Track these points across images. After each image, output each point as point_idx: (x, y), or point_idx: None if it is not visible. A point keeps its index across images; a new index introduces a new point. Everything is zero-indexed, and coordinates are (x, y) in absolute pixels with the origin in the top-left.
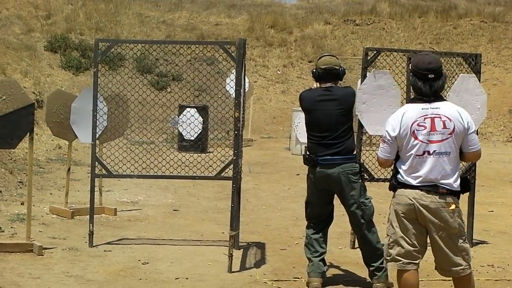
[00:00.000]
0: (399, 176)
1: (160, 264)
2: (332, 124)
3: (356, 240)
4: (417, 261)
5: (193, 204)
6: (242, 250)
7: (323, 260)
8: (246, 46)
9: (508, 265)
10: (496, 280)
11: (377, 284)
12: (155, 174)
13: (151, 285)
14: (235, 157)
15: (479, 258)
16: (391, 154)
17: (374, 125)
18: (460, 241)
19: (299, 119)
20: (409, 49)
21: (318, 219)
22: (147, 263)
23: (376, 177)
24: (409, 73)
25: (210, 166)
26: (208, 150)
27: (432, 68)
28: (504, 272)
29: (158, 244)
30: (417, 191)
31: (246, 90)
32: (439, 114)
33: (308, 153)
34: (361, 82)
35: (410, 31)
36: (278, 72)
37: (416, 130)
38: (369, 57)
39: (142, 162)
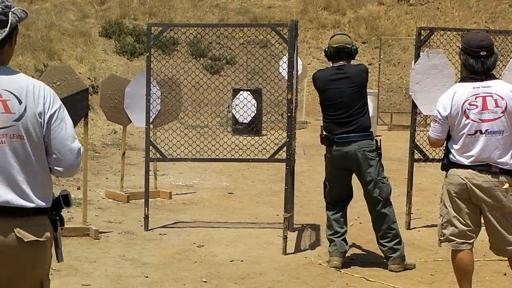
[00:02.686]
0: (451, 156)
1: (215, 247)
2: (345, 102)
3: (411, 221)
4: (471, 241)
5: (248, 187)
6: (296, 232)
7: (344, 240)
8: (299, 28)
9: None
10: None
11: (392, 266)
12: (209, 157)
13: (206, 268)
14: (288, 139)
15: None
16: (442, 134)
17: (428, 105)
18: None
19: None
20: (463, 27)
21: (337, 199)
22: (202, 246)
23: (430, 157)
24: (460, 51)
25: (264, 148)
26: (262, 133)
27: (484, 45)
28: None
29: (213, 227)
30: (469, 170)
31: (299, 73)
32: (491, 93)
33: (324, 132)
34: (415, 62)
35: (465, 10)
36: None
37: (468, 109)
38: (422, 37)
39: (196, 145)
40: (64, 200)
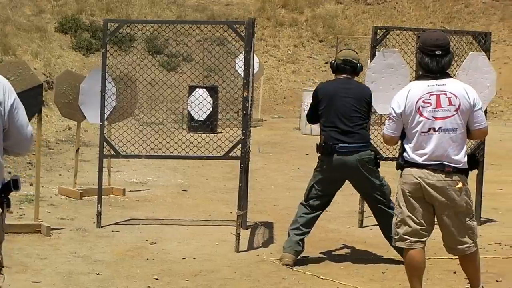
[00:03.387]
0: (405, 154)
1: (167, 244)
2: (349, 114)
3: (363, 219)
4: (423, 239)
5: (202, 184)
6: (250, 230)
7: (302, 241)
8: (256, 26)
9: None
10: (503, 258)
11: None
12: (164, 154)
13: (158, 265)
14: (243, 137)
15: (486, 236)
16: (397, 131)
17: (383, 104)
18: (467, 219)
19: (309, 99)
20: (418, 27)
21: (320, 203)
22: (155, 243)
23: (384, 156)
24: (416, 50)
25: (219, 146)
26: (217, 131)
27: (440, 44)
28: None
29: (166, 224)
30: (423, 170)
31: (256, 70)
32: (445, 91)
33: (324, 142)
34: (370, 61)
35: (421, 10)
36: (289, 52)
37: (422, 106)
38: (378, 36)
39: (151, 142)
40: (14, 184)
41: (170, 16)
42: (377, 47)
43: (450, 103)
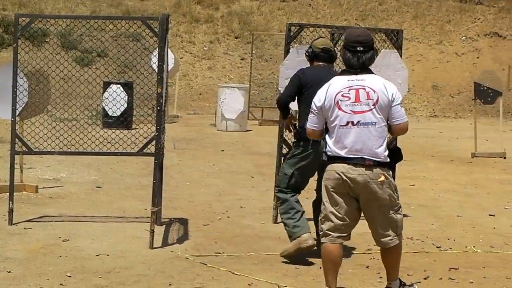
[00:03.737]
0: (328, 149)
1: (81, 241)
2: None
3: (278, 215)
4: (344, 235)
5: (116, 181)
6: (164, 226)
7: (305, 219)
8: (171, 22)
9: (426, 237)
10: (414, 252)
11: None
12: (77, 151)
13: (71, 262)
14: (157, 133)
15: None
16: (318, 125)
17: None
18: (391, 212)
19: (225, 95)
20: (332, 24)
21: (299, 187)
22: (68, 240)
23: None
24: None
25: (133, 142)
26: (132, 127)
27: (361, 40)
28: (422, 244)
29: (80, 221)
30: (344, 164)
31: (171, 66)
32: (364, 86)
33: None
34: (284, 58)
35: (336, 7)
36: (205, 48)
37: (340, 100)
38: (292, 33)
39: (64, 139)
40: None
41: (84, 11)
42: (291, 43)
43: (368, 98)
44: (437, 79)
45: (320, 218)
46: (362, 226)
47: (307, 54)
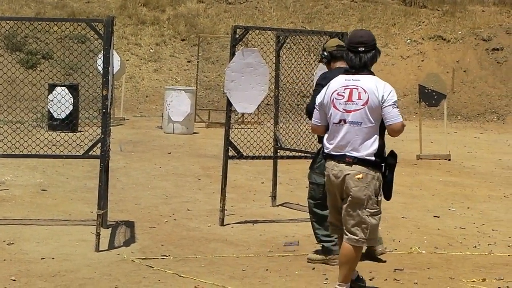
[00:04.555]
0: (324, 145)
1: (26, 245)
2: None
3: (224, 217)
4: (341, 227)
5: (62, 184)
6: (110, 229)
7: None
8: (117, 24)
9: None
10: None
11: (380, 249)
12: (22, 153)
13: (16, 266)
14: (103, 136)
15: None
16: (321, 121)
17: (242, 103)
18: (365, 212)
19: (172, 97)
20: (278, 27)
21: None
22: (13, 243)
23: (244, 154)
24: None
25: (78, 145)
26: (78, 129)
27: (363, 41)
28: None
29: (25, 225)
30: (331, 161)
31: (117, 69)
32: (357, 86)
33: None
34: (230, 60)
35: (282, 10)
36: (151, 50)
37: (335, 98)
38: (237, 35)
39: (8, 141)
40: None
41: (28, 13)
42: (236, 46)
43: (359, 98)
44: None
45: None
46: (307, 229)
47: (323, 57)
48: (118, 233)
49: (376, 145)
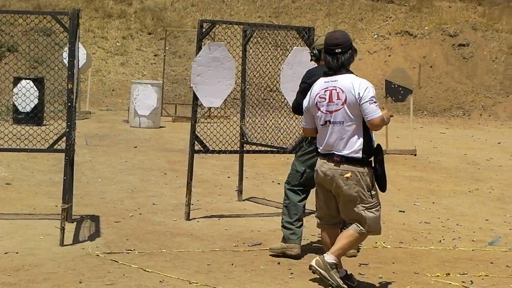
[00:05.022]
0: (317, 145)
1: None
2: None
3: (190, 212)
4: (330, 222)
5: (27, 178)
6: (75, 223)
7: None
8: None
9: None
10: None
11: (351, 251)
12: None
13: None
14: (68, 129)
15: (311, 227)
16: (309, 124)
17: (209, 97)
18: (360, 208)
19: (138, 91)
20: (245, 22)
21: (307, 188)
22: None
23: (211, 149)
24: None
25: (43, 138)
26: (44, 123)
27: (338, 43)
28: None
29: None
30: (321, 160)
31: (83, 62)
32: (336, 86)
33: None
34: (196, 54)
35: (249, 4)
36: (117, 44)
37: (318, 102)
38: (204, 29)
39: None
40: None
41: None
42: (203, 40)
43: (338, 98)
44: None
45: (315, 205)
46: (272, 223)
47: (312, 56)
48: (83, 227)
49: (360, 142)
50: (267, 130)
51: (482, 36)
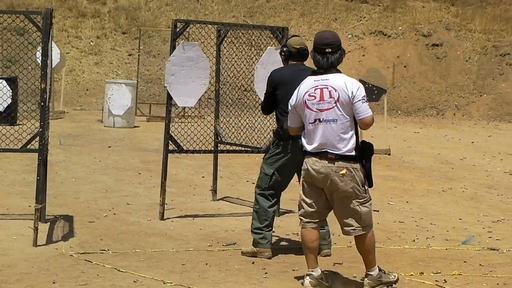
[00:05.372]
0: (302, 144)
1: None
2: None
3: (164, 212)
4: (315, 221)
5: (0, 178)
6: (49, 223)
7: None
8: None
9: None
10: (300, 248)
11: (326, 251)
12: None
13: None
14: (41, 129)
15: (285, 227)
16: (295, 123)
17: (183, 96)
18: (355, 204)
19: (112, 91)
20: (219, 21)
21: (280, 189)
22: None
23: (185, 148)
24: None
25: (16, 138)
26: (17, 123)
27: (329, 43)
28: None
29: None
30: (312, 158)
31: (57, 62)
32: (327, 85)
33: (281, 127)
34: (170, 54)
35: (224, 4)
36: (91, 43)
37: (307, 100)
38: (178, 29)
39: None
40: None
41: None
42: (177, 40)
43: (330, 96)
44: None
45: (298, 204)
46: (247, 223)
47: (282, 53)
48: (56, 227)
49: (353, 140)
50: (241, 130)
51: (456, 36)
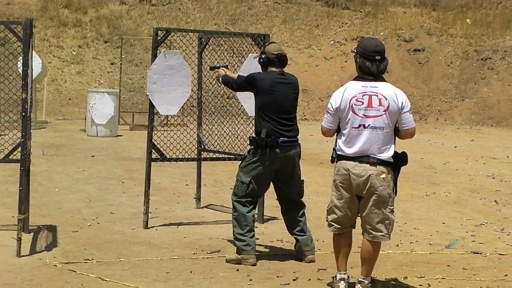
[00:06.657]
0: (337, 147)
1: None
2: (288, 107)
3: (148, 220)
4: (348, 227)
5: None
6: (32, 233)
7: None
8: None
9: None
10: (284, 254)
11: (309, 256)
12: None
13: None
14: (23, 139)
15: (269, 233)
16: (333, 125)
17: (165, 105)
18: (388, 210)
19: (95, 100)
20: (200, 29)
21: (257, 197)
22: None
23: (168, 157)
24: (355, 55)
25: None
26: None
27: (379, 50)
28: (292, 246)
29: None
30: (351, 162)
31: (39, 71)
32: (377, 93)
33: (266, 135)
34: (152, 62)
35: (206, 12)
36: (73, 52)
37: (354, 104)
38: (159, 37)
39: None
40: None
41: None
42: (158, 48)
43: (380, 104)
44: (307, 83)
45: (327, 209)
46: (231, 230)
47: (261, 60)
48: (40, 237)
49: (393, 148)
50: (225, 137)
51: (437, 41)
